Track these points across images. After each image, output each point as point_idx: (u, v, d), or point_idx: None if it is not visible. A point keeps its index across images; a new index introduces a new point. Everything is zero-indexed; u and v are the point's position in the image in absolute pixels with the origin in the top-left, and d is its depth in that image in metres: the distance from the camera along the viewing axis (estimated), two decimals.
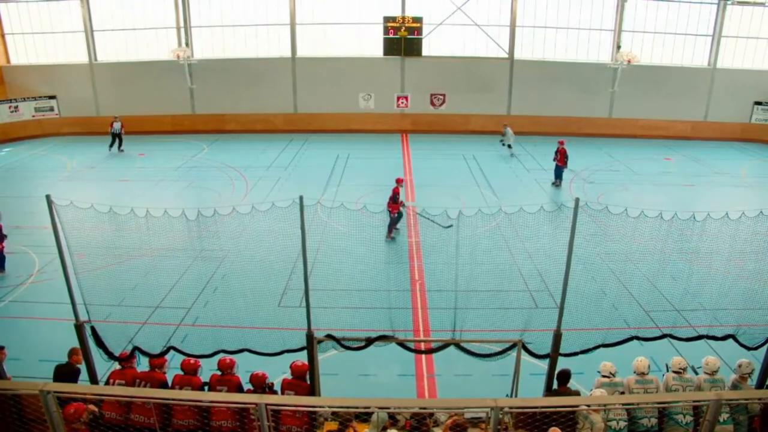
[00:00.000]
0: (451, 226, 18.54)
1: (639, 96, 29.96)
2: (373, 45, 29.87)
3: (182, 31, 30.76)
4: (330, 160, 25.02)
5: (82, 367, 8.84)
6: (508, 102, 30.39)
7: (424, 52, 29.58)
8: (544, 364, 8.17)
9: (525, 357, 7.94)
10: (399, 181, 16.83)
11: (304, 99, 30.61)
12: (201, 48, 31.06)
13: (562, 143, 21.56)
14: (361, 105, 30.39)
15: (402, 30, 28.89)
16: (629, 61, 28.24)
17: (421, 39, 29.14)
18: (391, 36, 29.00)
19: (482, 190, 20.98)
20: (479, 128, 29.86)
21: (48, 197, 7.95)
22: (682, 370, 7.66)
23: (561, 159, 21.21)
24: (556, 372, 7.81)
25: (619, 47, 29.40)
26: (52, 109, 31.86)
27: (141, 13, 30.96)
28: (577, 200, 7.09)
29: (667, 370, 7.85)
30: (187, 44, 30.53)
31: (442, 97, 30.15)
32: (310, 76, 30.29)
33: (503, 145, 26.86)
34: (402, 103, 30.26)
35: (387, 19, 28.92)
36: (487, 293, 9.55)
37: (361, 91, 30.17)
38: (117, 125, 27.53)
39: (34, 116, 31.46)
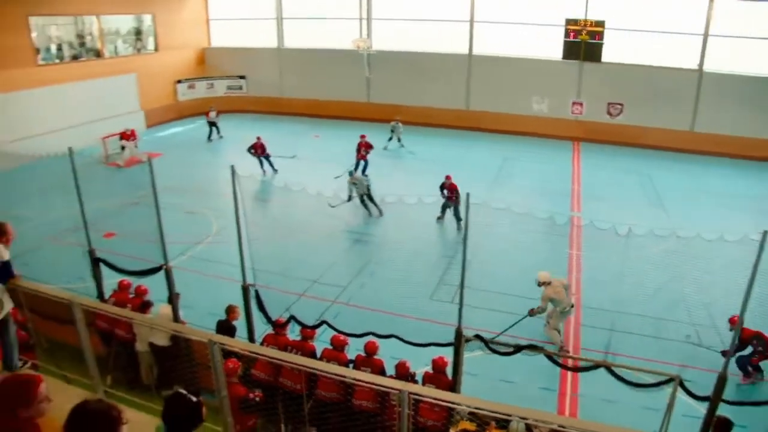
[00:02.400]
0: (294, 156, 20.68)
1: None
2: (551, 47, 28.97)
3: (364, 22, 32.03)
4: (497, 160, 24.79)
5: (243, 325, 9.65)
6: (693, 117, 27.82)
7: (604, 57, 28.11)
8: (702, 408, 7.59)
9: (681, 395, 7.41)
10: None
11: (477, 97, 30.44)
12: (380, 39, 32.10)
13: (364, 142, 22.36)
14: (534, 108, 29.64)
15: (583, 34, 27.70)
16: None
17: (602, 44, 27.65)
18: (571, 39, 27.95)
19: (654, 209, 19.57)
20: (657, 143, 27.66)
21: (232, 167, 8.72)
22: None
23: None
24: (714, 419, 7.25)
25: None
26: (241, 88, 35.00)
27: (328, 3, 32.84)
28: (765, 234, 6.43)
29: None
30: (368, 35, 31.73)
31: (619, 106, 28.47)
32: (484, 75, 30.04)
33: (397, 140, 26.95)
34: (576, 109, 29.07)
35: (568, 22, 27.86)
36: (647, 319, 9.07)
37: (535, 93, 29.37)
38: (213, 113, 28.35)
39: (225, 93, 34.78)
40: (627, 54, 28.07)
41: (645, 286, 8.92)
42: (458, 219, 16.09)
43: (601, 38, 27.55)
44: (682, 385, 7.33)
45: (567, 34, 27.92)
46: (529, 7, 29.03)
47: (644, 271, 8.65)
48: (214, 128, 28.49)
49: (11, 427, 3.39)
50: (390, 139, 27.39)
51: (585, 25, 27.65)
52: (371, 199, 17.87)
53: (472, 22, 29.96)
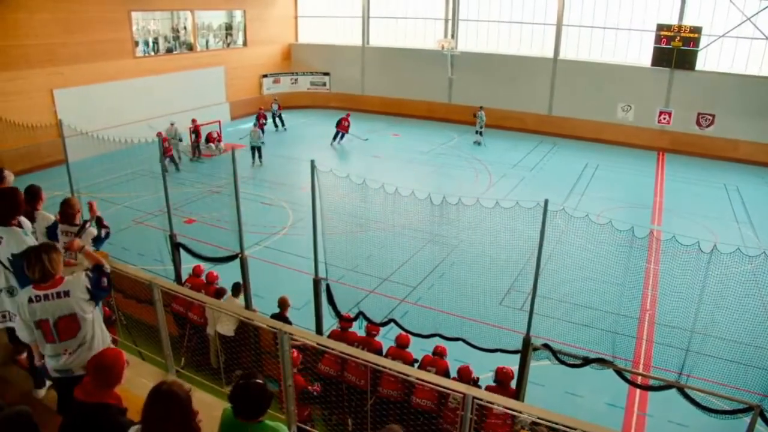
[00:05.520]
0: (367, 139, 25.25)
1: None
2: (640, 53, 27.96)
3: (449, 23, 31.97)
4: (577, 167, 24.17)
5: (312, 318, 9.81)
6: None
7: (698, 65, 26.76)
8: None
9: (760, 426, 7.03)
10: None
11: (560, 102, 29.78)
12: (465, 40, 32.01)
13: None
14: (618, 115, 28.65)
15: (676, 40, 26.43)
16: None
17: (696, 51, 26.27)
18: (662, 45, 26.74)
19: (741, 226, 18.58)
20: (747, 157, 26.11)
21: (312, 162, 8.91)
22: None
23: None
24: None
25: None
26: (324, 84, 35.67)
27: (414, 2, 33.12)
28: None
29: None
30: (452, 36, 31.63)
31: (710, 117, 26.99)
32: (569, 80, 29.34)
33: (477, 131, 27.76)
34: (663, 118, 27.83)
35: (661, 27, 26.65)
36: (727, 342, 8.60)
37: (621, 101, 28.35)
38: (275, 106, 30.00)
39: (309, 89, 35.60)
40: (722, 62, 26.67)
41: (727, 308, 8.47)
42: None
43: (696, 45, 26.23)
44: (762, 415, 6.98)
45: (658, 39, 26.78)
46: (619, 11, 28.14)
47: (728, 291, 8.21)
48: (278, 119, 30.09)
49: (103, 398, 3.77)
50: (480, 134, 27.58)
51: (679, 31, 26.39)
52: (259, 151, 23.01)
53: (559, 25, 29.30)
